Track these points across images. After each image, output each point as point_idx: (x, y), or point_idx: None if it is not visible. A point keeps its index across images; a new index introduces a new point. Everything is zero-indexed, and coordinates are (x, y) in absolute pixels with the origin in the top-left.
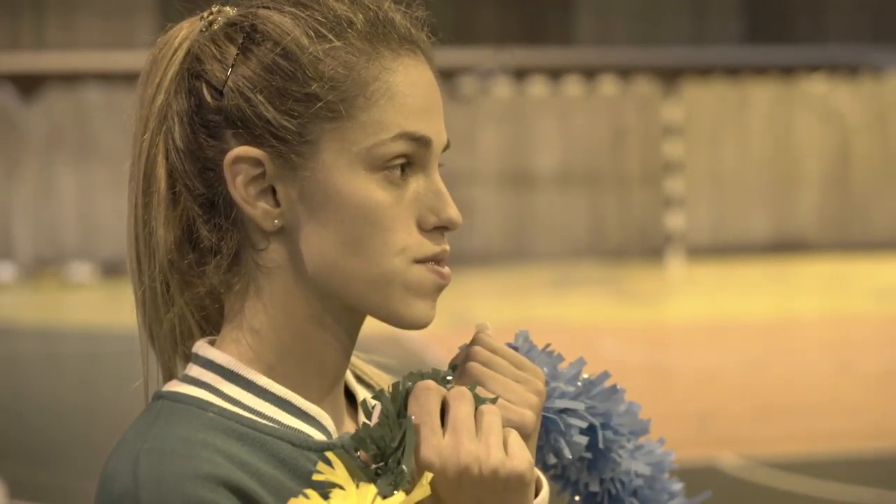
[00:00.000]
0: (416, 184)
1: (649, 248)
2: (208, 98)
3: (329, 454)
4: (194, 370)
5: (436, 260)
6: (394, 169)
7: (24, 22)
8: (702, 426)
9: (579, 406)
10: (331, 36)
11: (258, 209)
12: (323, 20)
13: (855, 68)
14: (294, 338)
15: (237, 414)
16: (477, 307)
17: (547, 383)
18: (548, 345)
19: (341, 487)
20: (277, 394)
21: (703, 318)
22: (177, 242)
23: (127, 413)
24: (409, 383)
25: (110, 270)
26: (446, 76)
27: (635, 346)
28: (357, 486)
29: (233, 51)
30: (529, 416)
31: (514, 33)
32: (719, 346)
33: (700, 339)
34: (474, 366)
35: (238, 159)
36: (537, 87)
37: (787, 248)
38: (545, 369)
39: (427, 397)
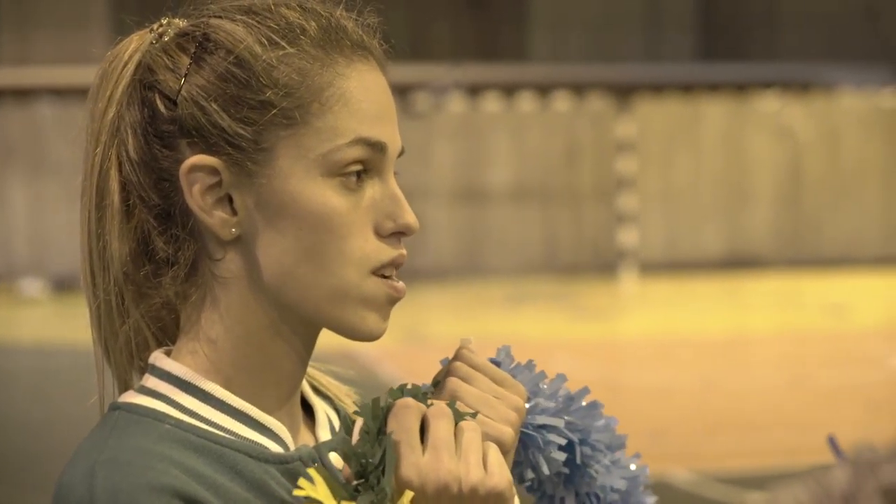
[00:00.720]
0: (372, 190)
1: (603, 263)
2: (162, 108)
3: (310, 470)
4: (150, 381)
5: (394, 265)
6: (350, 175)
7: None
8: (654, 441)
9: (559, 422)
10: (283, 43)
11: (215, 218)
12: (275, 27)
13: (807, 85)
14: (251, 349)
15: (194, 426)
16: (431, 322)
17: (528, 399)
18: (530, 360)
19: None
20: (234, 405)
21: (656, 333)
22: (132, 255)
23: (80, 428)
24: (391, 400)
25: (62, 285)
26: (400, 92)
27: (588, 361)
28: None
29: (185, 60)
30: (507, 433)
31: (469, 49)
32: (672, 361)
33: (653, 355)
34: (453, 381)
35: (194, 168)
36: (491, 103)
37: (739, 264)
38: (526, 385)
39: (406, 415)
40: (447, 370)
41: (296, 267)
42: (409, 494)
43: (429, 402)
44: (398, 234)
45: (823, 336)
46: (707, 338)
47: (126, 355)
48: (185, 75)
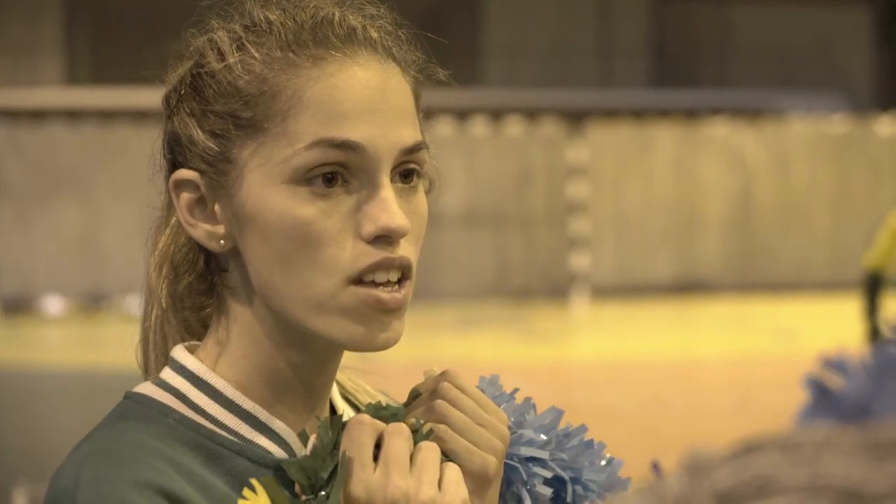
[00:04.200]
0: (354, 195)
1: (554, 288)
2: (168, 127)
3: (254, 481)
4: (166, 373)
5: (379, 268)
6: (316, 180)
7: None
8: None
9: (544, 455)
10: (250, 47)
11: (200, 230)
12: (242, 32)
13: (757, 112)
14: (261, 356)
15: (197, 423)
16: None
17: (511, 430)
18: (515, 390)
19: None
20: (243, 406)
21: (607, 357)
22: (173, 266)
23: (29, 451)
24: (350, 416)
25: (12, 308)
26: None
27: (539, 384)
28: None
29: (179, 74)
30: (492, 462)
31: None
32: (622, 385)
33: (603, 378)
34: (441, 404)
35: (177, 183)
36: (444, 127)
37: (690, 289)
38: (511, 416)
39: (360, 431)
40: (434, 391)
41: (272, 277)
42: None
43: (422, 423)
44: (383, 239)
45: (772, 360)
46: (657, 361)
47: (162, 359)
48: (181, 95)
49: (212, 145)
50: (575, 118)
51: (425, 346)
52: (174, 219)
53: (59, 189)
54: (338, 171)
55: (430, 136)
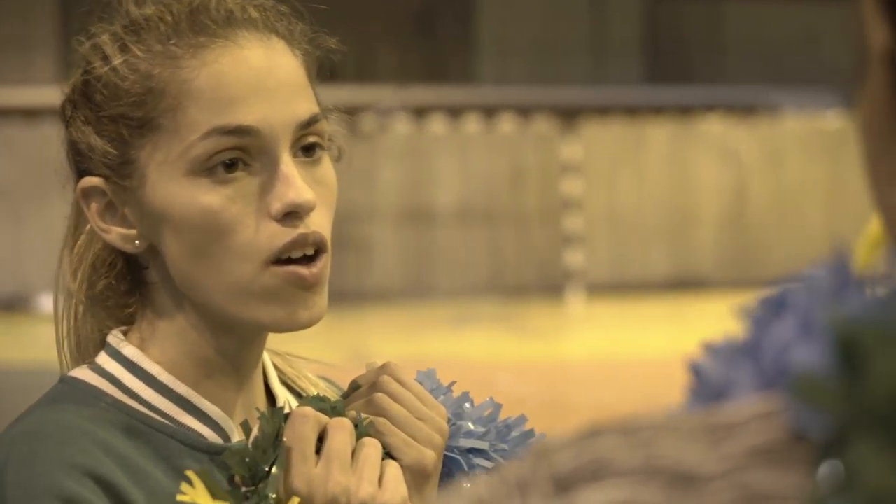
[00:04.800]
0: (257, 176)
1: (549, 285)
2: (67, 137)
3: (190, 473)
4: (101, 358)
5: (295, 246)
6: (215, 168)
7: None
8: None
9: (484, 445)
10: (131, 46)
11: (113, 234)
12: (121, 32)
13: (751, 108)
14: (188, 345)
15: (130, 407)
16: (375, 343)
17: (450, 422)
18: (452, 382)
19: None
20: (176, 391)
21: (602, 354)
22: (92, 268)
23: None
24: (293, 407)
25: (7, 306)
26: (346, 113)
27: (533, 382)
28: None
29: (71, 83)
30: (430, 456)
31: (416, 72)
32: (616, 382)
33: (598, 375)
34: (381, 397)
35: (85, 192)
36: (437, 125)
37: (684, 286)
38: (449, 409)
39: (303, 424)
40: (373, 384)
41: (190, 269)
42: (294, 500)
43: (364, 417)
44: (292, 215)
45: None
46: (652, 358)
47: (89, 351)
48: (74, 103)
49: (110, 150)
50: (568, 115)
51: (419, 343)
52: (88, 224)
53: (52, 187)
54: (237, 155)
55: (423, 133)
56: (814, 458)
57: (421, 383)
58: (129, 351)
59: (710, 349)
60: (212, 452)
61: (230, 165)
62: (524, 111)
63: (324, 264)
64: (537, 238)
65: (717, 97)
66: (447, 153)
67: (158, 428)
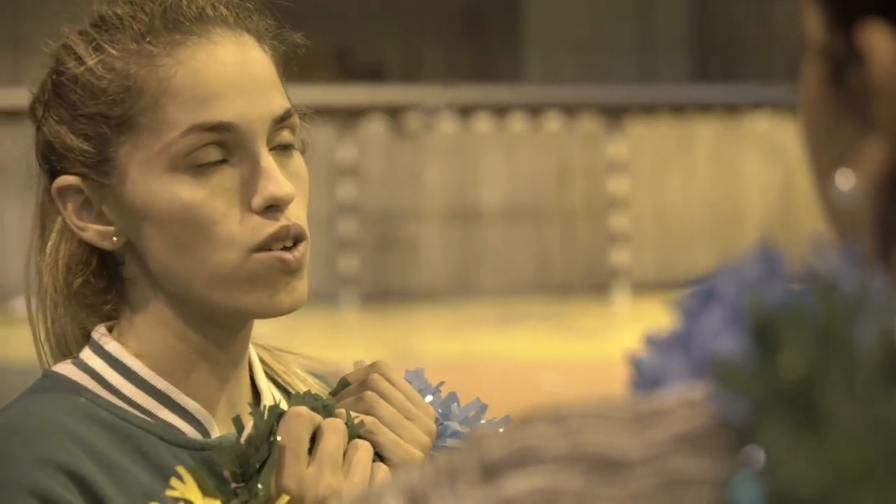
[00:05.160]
0: (236, 169)
1: (595, 283)
2: (39, 137)
3: (181, 469)
4: (84, 353)
5: (278, 239)
6: (195, 164)
7: None
8: None
9: None
10: (105, 46)
11: (91, 232)
12: (93, 32)
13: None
14: (170, 339)
15: (109, 402)
16: (421, 342)
17: (438, 422)
18: (441, 383)
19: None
20: (157, 386)
21: None
22: (67, 265)
23: None
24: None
25: None
26: (392, 112)
27: (578, 381)
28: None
29: (39, 83)
30: (418, 456)
31: (463, 71)
32: None
33: None
34: (371, 396)
35: (60, 191)
36: (483, 124)
37: None
38: (436, 408)
39: (297, 423)
40: (363, 382)
41: (172, 262)
42: (284, 499)
43: (353, 416)
44: (273, 208)
45: None
46: None
47: (70, 348)
48: (45, 103)
49: (88, 148)
50: (614, 114)
51: (464, 342)
52: (59, 221)
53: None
54: (216, 151)
55: (469, 132)
56: (731, 443)
57: (409, 383)
58: (111, 346)
59: (649, 340)
60: (190, 448)
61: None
62: (570, 109)
63: (304, 250)
64: (583, 237)
65: (765, 95)
66: (493, 152)
67: (137, 423)
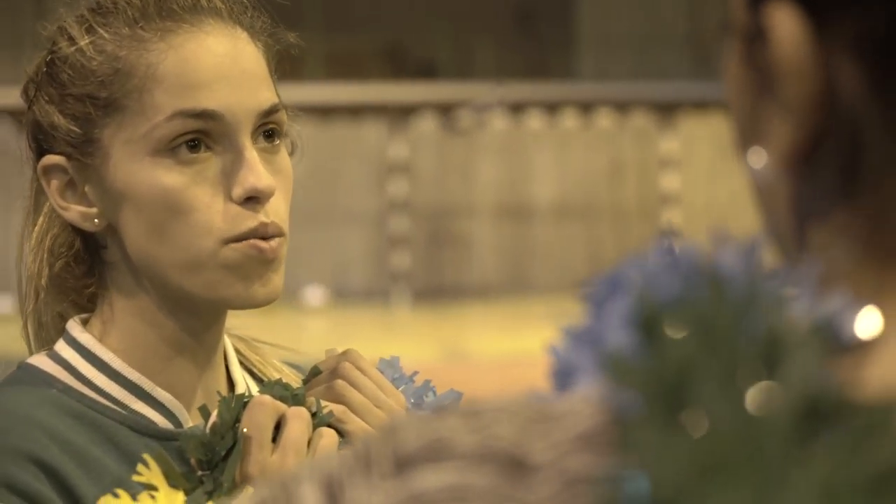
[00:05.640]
0: (219, 158)
1: None
2: (29, 117)
3: (147, 456)
4: (59, 345)
5: (255, 236)
6: (178, 149)
7: None
8: None
9: None
10: (98, 28)
11: (73, 212)
12: (89, 15)
13: None
14: (144, 326)
15: (82, 393)
16: (473, 340)
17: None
18: (415, 372)
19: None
20: (129, 377)
21: None
22: (50, 250)
23: None
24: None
25: None
26: (444, 109)
27: None
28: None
29: (35, 66)
30: None
31: (515, 68)
32: None
33: None
34: (341, 384)
35: (46, 169)
36: (535, 121)
37: None
38: (410, 398)
39: (260, 411)
40: (333, 370)
41: (149, 247)
42: (249, 489)
43: (323, 405)
44: (253, 200)
45: None
46: None
47: (50, 336)
48: (38, 83)
49: (74, 128)
50: (666, 110)
51: (516, 339)
52: (47, 205)
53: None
54: (200, 138)
55: (521, 129)
56: (620, 440)
57: (382, 372)
58: (84, 338)
59: (564, 332)
60: (162, 438)
61: (193, 147)
62: (622, 106)
63: (279, 243)
64: (635, 233)
65: None
66: (545, 149)
67: (109, 414)
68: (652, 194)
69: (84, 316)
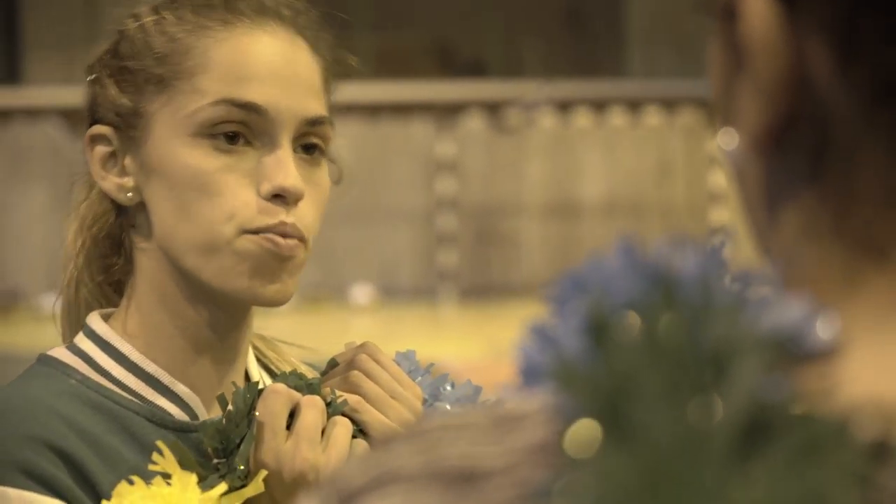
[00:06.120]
0: (256, 152)
1: None
2: (88, 91)
3: (161, 444)
4: (78, 337)
5: (276, 233)
6: (218, 136)
7: None
8: None
9: None
10: (165, 12)
11: (109, 182)
12: (161, 3)
13: None
14: (167, 314)
15: (100, 385)
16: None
17: (427, 403)
18: (431, 364)
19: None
20: (146, 369)
21: None
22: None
23: None
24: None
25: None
26: (492, 108)
27: None
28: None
29: (103, 47)
30: None
31: (563, 66)
32: None
33: None
34: (357, 375)
35: (91, 138)
36: (583, 119)
37: None
38: (426, 391)
39: (274, 400)
40: (350, 361)
41: (175, 225)
42: (262, 473)
43: (338, 395)
44: (280, 198)
45: None
46: None
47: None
48: (100, 58)
49: (125, 101)
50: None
51: None
52: (96, 189)
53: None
54: (240, 130)
55: (569, 127)
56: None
57: (399, 364)
58: (103, 329)
59: (530, 330)
60: (179, 430)
61: (232, 137)
62: (670, 104)
63: (297, 245)
64: (684, 231)
65: None
66: (593, 147)
67: (126, 405)
68: (700, 192)
69: (106, 311)
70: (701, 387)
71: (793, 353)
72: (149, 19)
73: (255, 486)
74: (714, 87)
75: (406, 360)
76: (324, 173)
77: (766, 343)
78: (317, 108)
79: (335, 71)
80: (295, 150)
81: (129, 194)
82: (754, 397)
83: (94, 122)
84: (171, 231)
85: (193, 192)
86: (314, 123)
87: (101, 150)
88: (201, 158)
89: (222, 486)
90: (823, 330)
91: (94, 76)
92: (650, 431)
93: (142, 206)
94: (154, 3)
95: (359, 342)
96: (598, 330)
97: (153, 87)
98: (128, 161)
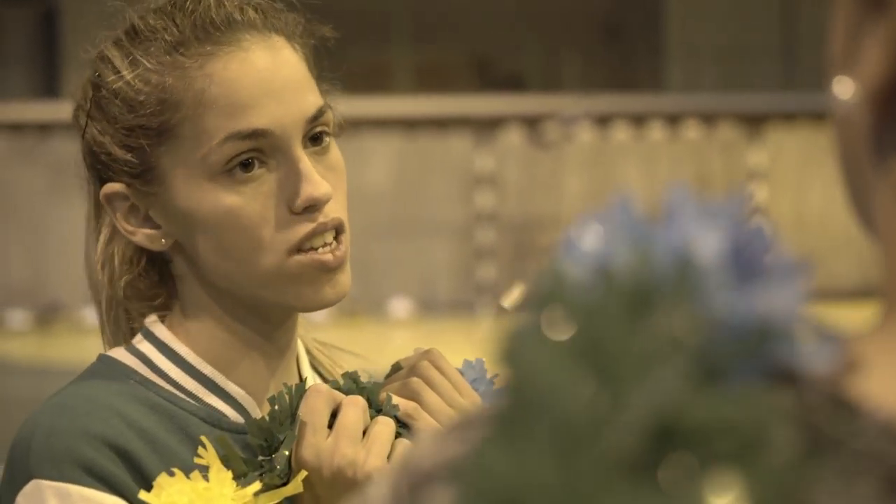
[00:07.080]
0: (274, 173)
1: None
2: (83, 145)
3: (204, 438)
4: (137, 339)
5: (314, 235)
6: (234, 170)
7: None
8: None
9: None
10: (140, 59)
11: (140, 236)
12: (130, 44)
13: None
14: (218, 330)
15: (157, 385)
16: None
17: None
18: (496, 375)
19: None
20: (203, 371)
21: None
22: (123, 260)
23: None
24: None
25: None
26: (530, 122)
27: None
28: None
29: (80, 90)
30: None
31: (602, 80)
32: None
33: None
34: (417, 382)
35: (108, 198)
36: (621, 133)
37: (874, 295)
38: (488, 400)
39: (316, 398)
40: (412, 367)
41: (220, 263)
42: (302, 473)
43: (395, 401)
44: (311, 208)
45: None
46: None
47: (126, 337)
48: (88, 113)
49: (131, 159)
50: (754, 122)
51: None
52: (107, 221)
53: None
54: (253, 156)
55: (607, 141)
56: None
57: (464, 372)
58: (161, 333)
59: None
60: (233, 431)
61: (247, 165)
62: (709, 118)
63: (345, 244)
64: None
65: None
66: (632, 161)
67: (183, 406)
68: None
69: (161, 314)
70: (616, 392)
71: (773, 348)
72: (129, 75)
73: (295, 486)
74: (836, 30)
75: (472, 368)
76: (335, 152)
77: (703, 345)
78: (314, 101)
79: (315, 45)
80: (305, 147)
81: (163, 241)
82: (664, 406)
83: (102, 179)
84: (217, 268)
85: (229, 232)
86: (316, 118)
87: (122, 205)
88: (224, 197)
89: (256, 485)
90: (822, 336)
91: (84, 131)
92: (551, 432)
93: (176, 246)
94: (120, 41)
95: (401, 357)
96: (535, 327)
97: (154, 139)
98: (152, 213)
